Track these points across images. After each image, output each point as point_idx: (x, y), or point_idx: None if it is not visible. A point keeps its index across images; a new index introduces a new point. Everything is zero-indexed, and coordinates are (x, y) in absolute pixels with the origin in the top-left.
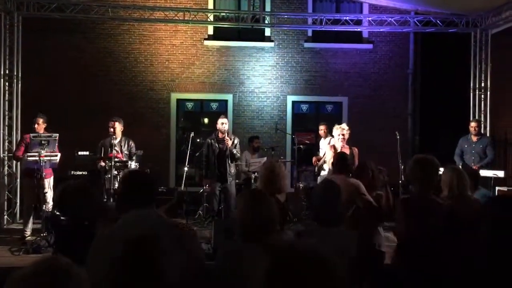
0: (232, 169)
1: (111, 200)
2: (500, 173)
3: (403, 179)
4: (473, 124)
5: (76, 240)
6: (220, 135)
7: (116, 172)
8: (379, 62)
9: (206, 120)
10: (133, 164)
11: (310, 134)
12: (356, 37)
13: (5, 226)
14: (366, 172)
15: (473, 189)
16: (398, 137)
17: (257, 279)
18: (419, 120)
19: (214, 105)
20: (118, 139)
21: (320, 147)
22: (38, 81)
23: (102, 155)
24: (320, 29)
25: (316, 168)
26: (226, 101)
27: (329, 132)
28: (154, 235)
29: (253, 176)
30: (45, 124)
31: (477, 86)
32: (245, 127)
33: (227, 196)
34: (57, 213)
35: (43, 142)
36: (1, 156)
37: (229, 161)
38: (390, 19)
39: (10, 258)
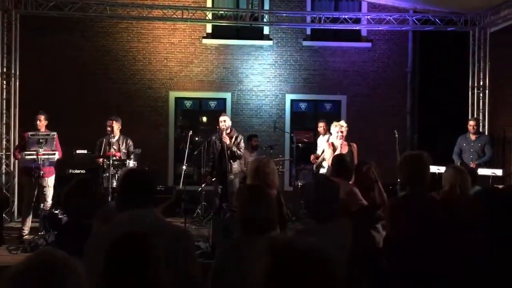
0: (234, 167)
1: (109, 199)
2: (498, 172)
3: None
4: (471, 122)
5: (75, 239)
6: (222, 133)
7: (114, 171)
8: (377, 60)
9: (204, 119)
10: (131, 163)
11: (308, 133)
12: (355, 36)
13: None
14: (359, 175)
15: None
16: (397, 135)
17: (257, 277)
18: (418, 118)
19: (212, 104)
20: (116, 137)
21: (318, 145)
22: (36, 79)
23: (101, 153)
24: (319, 27)
25: (315, 166)
26: (224, 99)
27: (329, 130)
28: (143, 234)
29: None
30: (47, 122)
31: (475, 84)
32: (244, 125)
33: (227, 193)
34: (55, 212)
35: (41, 140)
36: None
37: (229, 159)
38: (388, 17)
39: (7, 257)
